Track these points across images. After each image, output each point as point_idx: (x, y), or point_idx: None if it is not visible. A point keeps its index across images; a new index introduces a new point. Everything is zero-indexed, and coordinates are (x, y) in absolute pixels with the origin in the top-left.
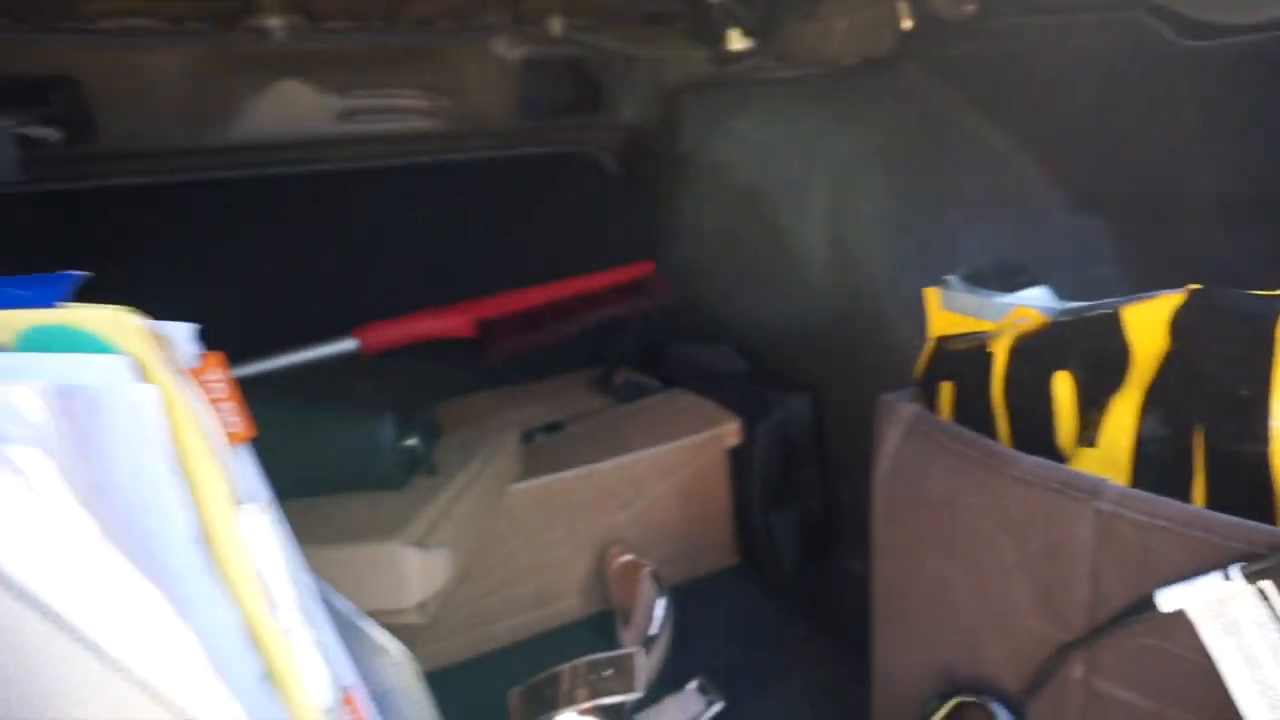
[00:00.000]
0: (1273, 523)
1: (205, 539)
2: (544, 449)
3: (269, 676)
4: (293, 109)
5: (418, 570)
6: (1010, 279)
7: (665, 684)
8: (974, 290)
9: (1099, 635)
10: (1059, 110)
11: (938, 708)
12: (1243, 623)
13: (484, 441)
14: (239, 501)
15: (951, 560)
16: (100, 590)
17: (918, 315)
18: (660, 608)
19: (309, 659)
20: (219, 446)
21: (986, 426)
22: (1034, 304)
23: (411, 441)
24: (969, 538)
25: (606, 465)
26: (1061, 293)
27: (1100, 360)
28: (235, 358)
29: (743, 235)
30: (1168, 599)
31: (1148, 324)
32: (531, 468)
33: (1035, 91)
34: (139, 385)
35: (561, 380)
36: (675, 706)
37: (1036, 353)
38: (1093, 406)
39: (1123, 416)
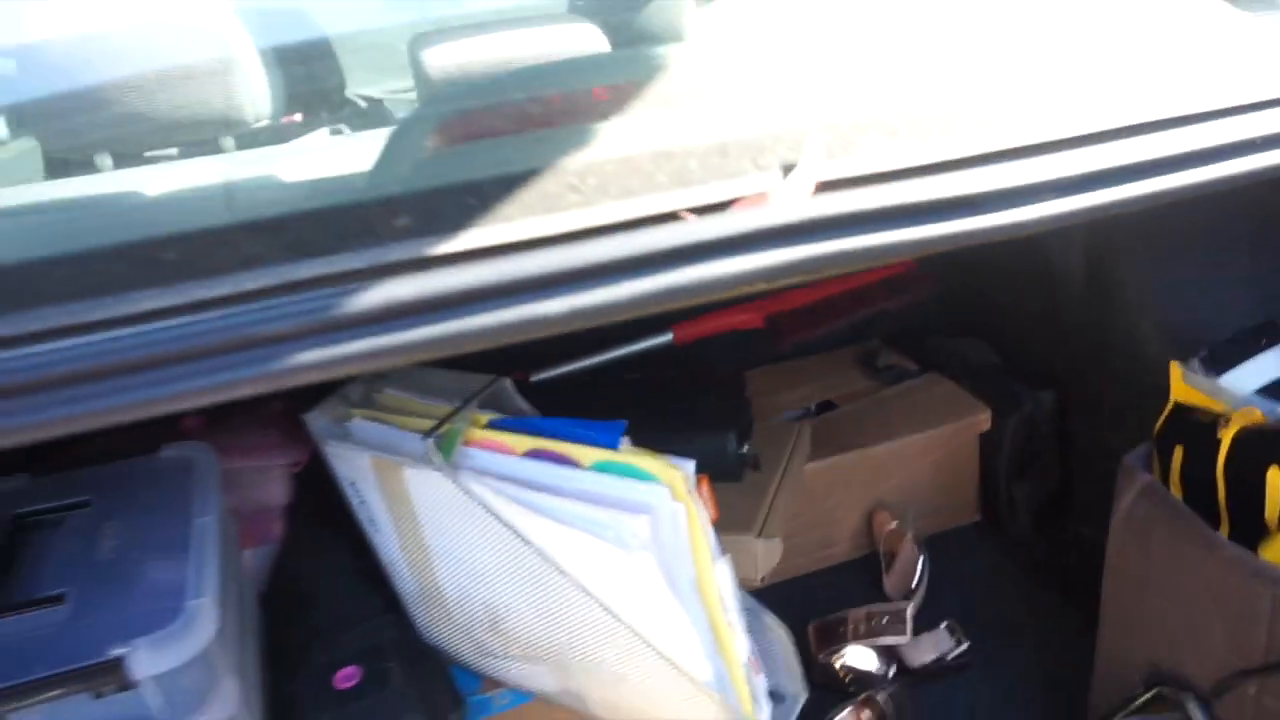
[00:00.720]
0: None
1: (698, 581)
2: (825, 428)
3: (719, 647)
4: None
5: (762, 554)
6: (1253, 343)
7: (924, 622)
8: (1212, 375)
9: (1269, 671)
10: None
11: (1144, 692)
12: None
13: (788, 433)
14: (715, 559)
15: (1165, 595)
16: (659, 611)
17: (1163, 337)
18: (920, 565)
19: (740, 637)
20: (707, 528)
21: (1209, 493)
22: (1261, 406)
23: (746, 449)
24: (1180, 585)
25: (879, 449)
26: None
27: None
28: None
29: (1003, 247)
30: None
31: None
32: (817, 446)
33: None
34: (674, 503)
35: (830, 358)
36: (930, 643)
37: (1257, 446)
38: None
39: None
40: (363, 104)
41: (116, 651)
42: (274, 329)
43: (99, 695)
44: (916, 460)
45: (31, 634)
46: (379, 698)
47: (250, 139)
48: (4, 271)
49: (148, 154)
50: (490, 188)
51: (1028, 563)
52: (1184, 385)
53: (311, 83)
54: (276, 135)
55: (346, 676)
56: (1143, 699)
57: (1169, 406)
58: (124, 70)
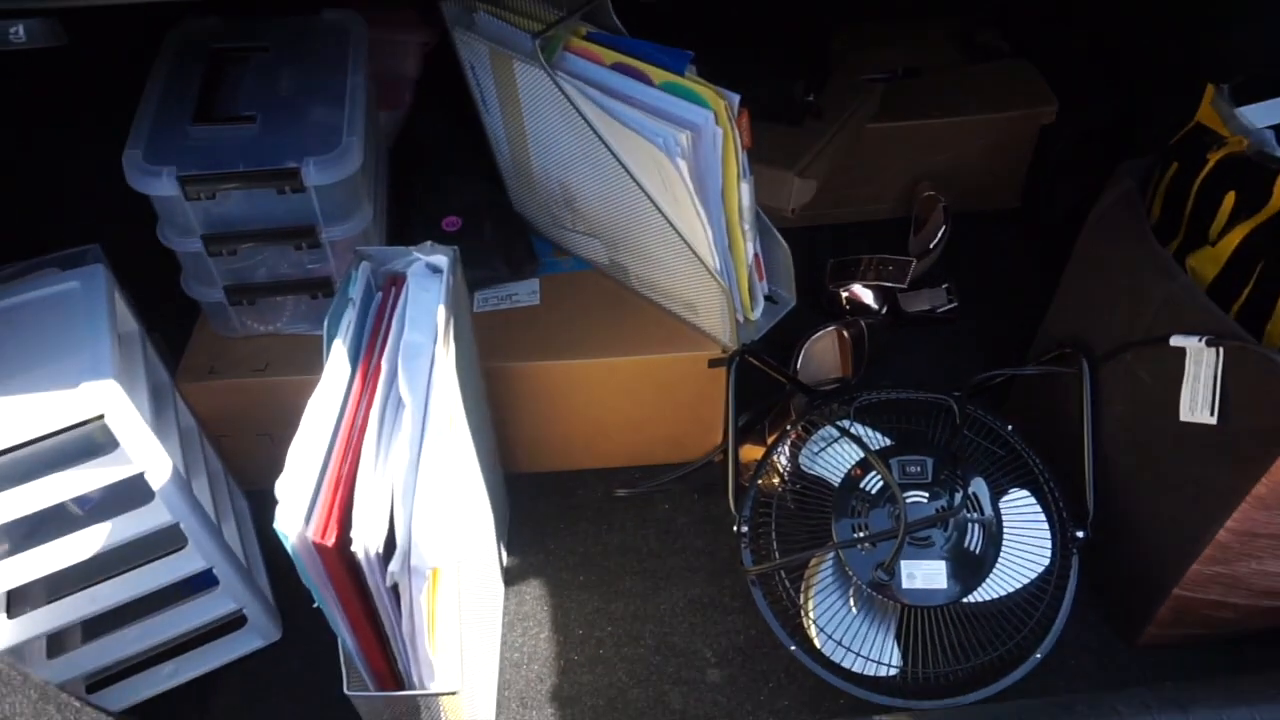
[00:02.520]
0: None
1: (723, 194)
2: (899, 93)
3: (730, 248)
4: None
5: (796, 191)
6: None
7: (928, 280)
8: (1230, 103)
9: (1143, 342)
10: None
11: (1056, 350)
12: (1203, 359)
13: (861, 91)
14: (741, 177)
15: (1101, 280)
16: (689, 214)
17: (1249, 55)
18: (941, 232)
19: (749, 242)
20: (740, 153)
21: (1181, 203)
22: (1258, 139)
23: (811, 98)
24: (1113, 273)
25: (942, 122)
26: None
27: (1252, 197)
28: None
29: None
30: (1176, 340)
31: None
32: (886, 108)
33: None
34: (716, 127)
35: (930, 26)
36: (926, 296)
37: (1226, 171)
38: (1235, 220)
39: (1237, 236)
40: None
41: (293, 164)
42: None
43: (281, 192)
44: (974, 139)
45: (233, 141)
46: (473, 243)
47: None
48: None
49: None
50: None
51: (1049, 251)
52: (1209, 108)
53: None
54: None
55: (451, 223)
56: (1052, 355)
57: (1190, 124)
58: None
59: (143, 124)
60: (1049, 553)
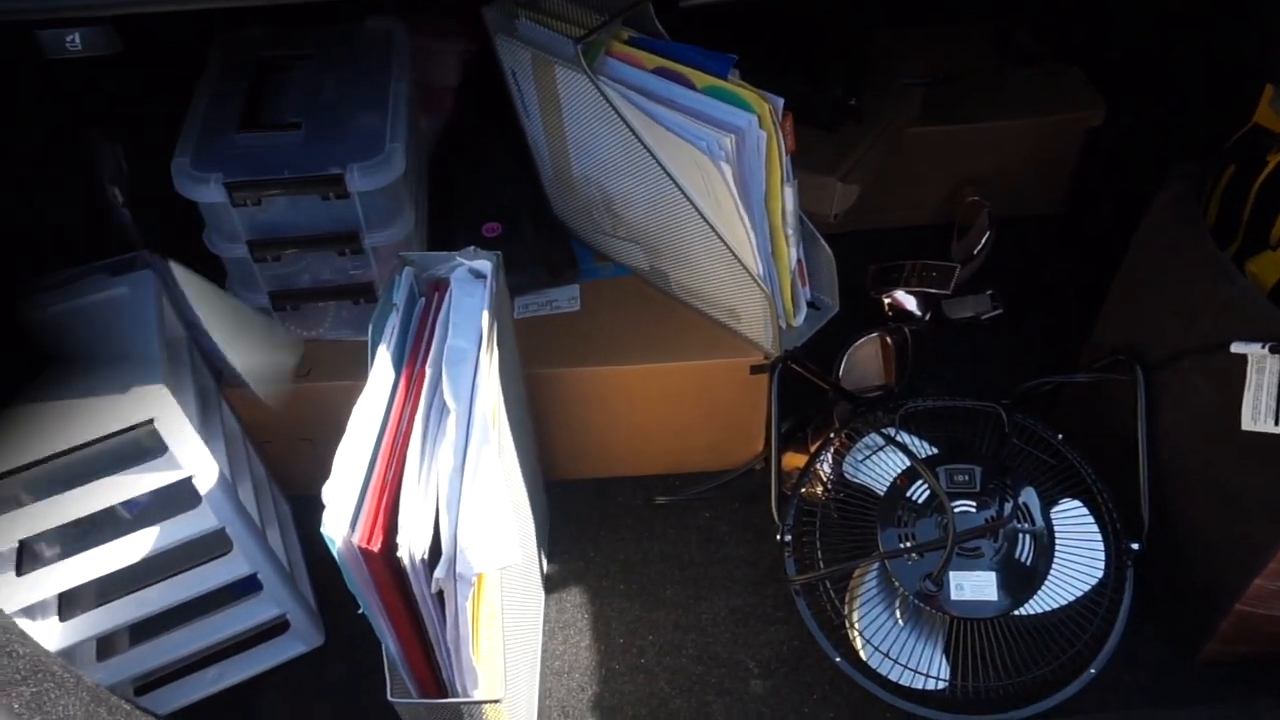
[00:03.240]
0: None
1: (766, 199)
2: (939, 98)
3: (774, 253)
4: None
5: (839, 196)
6: None
7: (972, 286)
8: None
9: (1201, 349)
10: None
11: (1109, 358)
12: (1266, 366)
13: (901, 95)
14: (785, 181)
15: (1155, 286)
16: (731, 218)
17: None
18: (986, 237)
19: (792, 247)
20: (784, 157)
21: (1239, 206)
22: None
23: (852, 101)
24: (1167, 279)
25: (985, 126)
26: None
27: None
28: None
29: None
30: (1237, 347)
31: None
32: (927, 113)
33: None
34: (760, 130)
35: (965, 32)
36: (971, 303)
37: None
38: None
39: None
40: None
41: (337, 170)
42: None
43: (325, 198)
44: (1018, 143)
45: (278, 147)
46: (514, 248)
47: None
48: None
49: None
50: None
51: (1095, 256)
52: (1268, 108)
53: None
54: None
55: (491, 229)
56: (1104, 362)
57: (1247, 125)
58: None
59: (191, 131)
60: (1102, 565)
